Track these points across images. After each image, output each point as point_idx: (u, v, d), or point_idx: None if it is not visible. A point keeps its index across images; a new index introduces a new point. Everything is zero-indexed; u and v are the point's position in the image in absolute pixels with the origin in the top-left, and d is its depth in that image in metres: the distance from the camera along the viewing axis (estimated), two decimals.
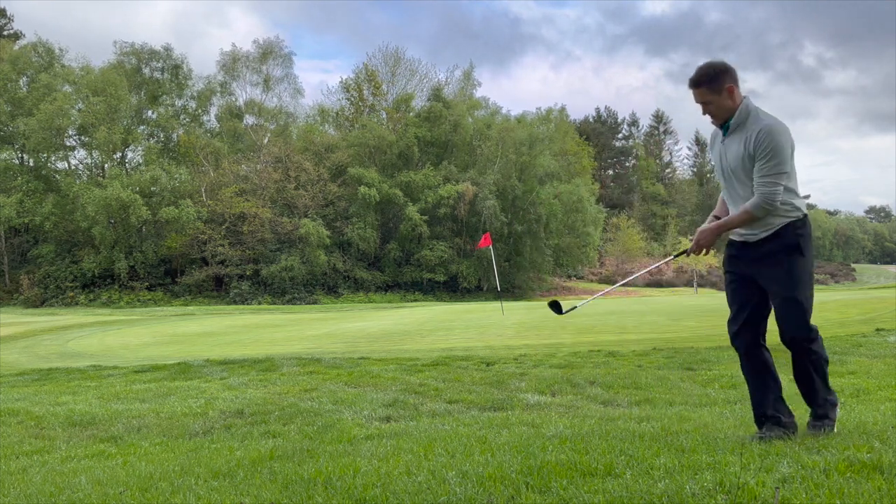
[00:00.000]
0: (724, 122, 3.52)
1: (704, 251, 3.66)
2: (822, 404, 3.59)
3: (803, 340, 3.53)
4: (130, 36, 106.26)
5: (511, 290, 49.38)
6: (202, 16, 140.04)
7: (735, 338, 3.63)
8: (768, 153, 3.33)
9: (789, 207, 3.42)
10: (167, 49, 50.36)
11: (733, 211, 3.58)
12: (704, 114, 3.59)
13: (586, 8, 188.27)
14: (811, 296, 3.52)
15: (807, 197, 3.59)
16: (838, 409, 3.65)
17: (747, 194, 3.46)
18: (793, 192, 3.44)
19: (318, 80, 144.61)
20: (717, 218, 3.68)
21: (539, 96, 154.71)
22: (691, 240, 3.68)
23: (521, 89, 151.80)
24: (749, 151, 3.39)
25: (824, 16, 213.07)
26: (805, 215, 3.50)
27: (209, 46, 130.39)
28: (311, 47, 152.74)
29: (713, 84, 3.46)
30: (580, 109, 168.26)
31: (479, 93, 59.35)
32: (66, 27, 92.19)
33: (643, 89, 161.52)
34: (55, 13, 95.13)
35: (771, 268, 3.48)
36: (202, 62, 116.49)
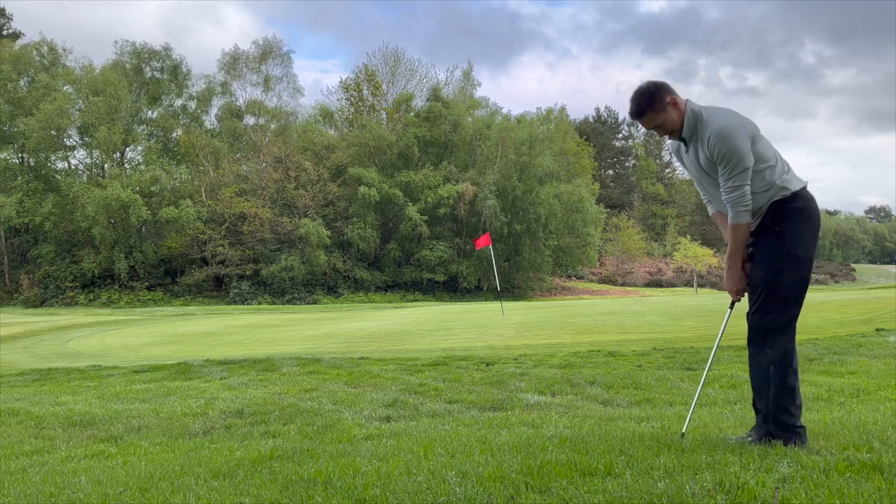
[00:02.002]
0: (681, 135, 3.43)
1: (743, 287, 3.45)
2: (768, 421, 3.25)
3: (757, 328, 3.31)
4: (121, 33, 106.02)
5: (511, 290, 49.40)
6: (194, 13, 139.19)
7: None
8: (723, 157, 3.22)
9: (768, 186, 3.28)
10: (166, 49, 50.48)
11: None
12: (661, 136, 3.52)
13: (583, 5, 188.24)
14: (787, 284, 3.24)
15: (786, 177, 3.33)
16: (790, 442, 3.17)
17: None
18: (765, 171, 3.28)
19: (313, 79, 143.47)
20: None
21: (537, 95, 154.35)
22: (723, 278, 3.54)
23: (519, 88, 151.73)
24: (710, 158, 3.30)
25: (824, 13, 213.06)
26: (793, 192, 3.30)
27: (202, 43, 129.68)
28: (308, 46, 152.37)
29: (654, 105, 3.35)
30: (579, 107, 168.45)
31: (478, 93, 59.54)
32: (58, 25, 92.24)
33: None
34: (47, 11, 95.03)
35: (755, 248, 3.39)
36: (195, 59, 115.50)
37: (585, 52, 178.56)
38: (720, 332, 3.80)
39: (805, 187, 3.36)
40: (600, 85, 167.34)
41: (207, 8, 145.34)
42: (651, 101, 3.36)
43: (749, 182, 3.24)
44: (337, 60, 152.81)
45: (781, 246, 3.26)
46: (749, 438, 3.34)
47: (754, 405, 3.51)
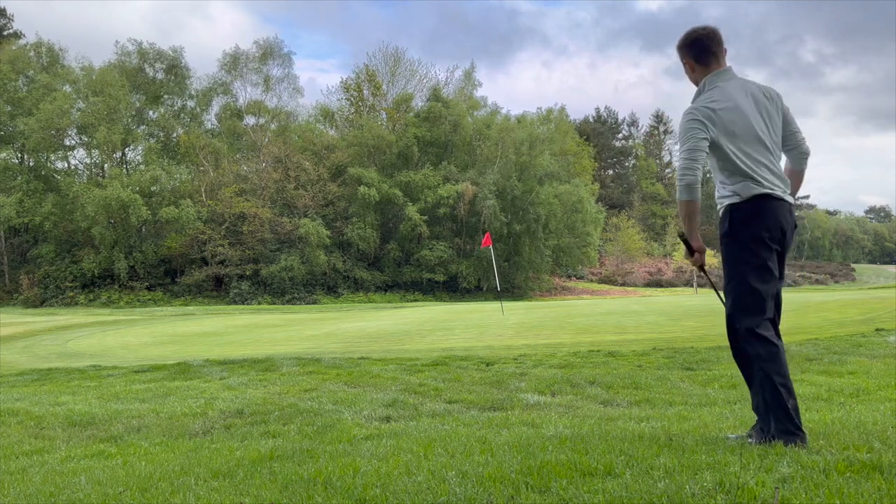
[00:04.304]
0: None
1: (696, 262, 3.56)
2: (766, 427, 3.25)
3: (728, 336, 3.42)
4: (110, 30, 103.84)
5: (511, 290, 49.39)
6: (184, 10, 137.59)
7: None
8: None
9: (723, 192, 3.37)
10: (175, 51, 50.52)
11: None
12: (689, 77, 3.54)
13: (581, 3, 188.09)
14: (740, 293, 3.31)
15: (753, 182, 3.31)
16: (790, 443, 3.15)
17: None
18: (727, 171, 3.34)
19: (308, 77, 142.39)
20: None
21: (535, 94, 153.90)
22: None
23: (517, 87, 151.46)
24: None
25: (825, 11, 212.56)
26: (743, 199, 3.30)
27: (194, 41, 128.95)
28: (304, 45, 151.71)
29: (679, 52, 3.44)
30: (577, 106, 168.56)
31: (478, 93, 59.51)
32: (46, 23, 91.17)
33: (640, 85, 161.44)
34: (36, 10, 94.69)
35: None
36: (187, 57, 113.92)
37: (583, 50, 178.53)
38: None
39: (760, 196, 3.29)
40: (598, 83, 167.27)
41: (198, 6, 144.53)
42: (679, 47, 3.43)
43: (698, 162, 3.26)
44: (334, 60, 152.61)
45: (729, 255, 3.35)
46: (750, 439, 3.34)
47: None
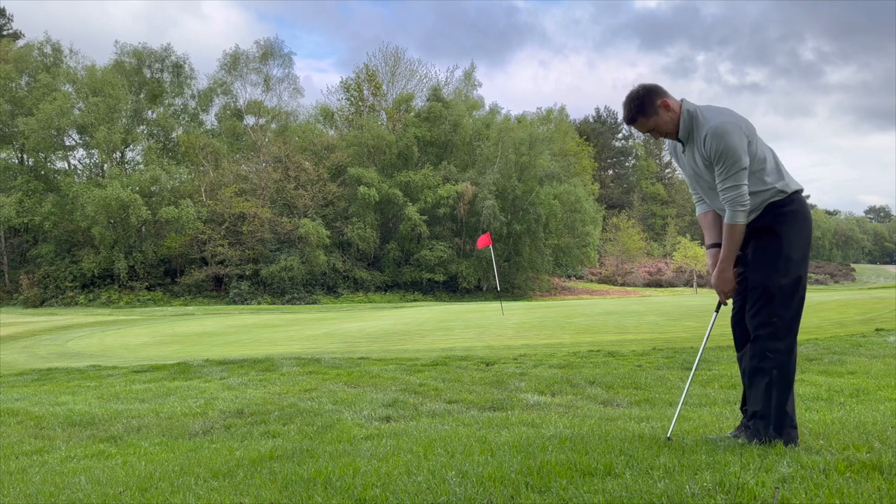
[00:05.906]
0: (677, 136, 3.40)
1: (733, 289, 3.43)
2: (760, 424, 3.26)
3: (756, 332, 3.29)
4: (102, 27, 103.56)
5: (511, 290, 49.39)
6: (177, 8, 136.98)
7: (732, 327, 3.60)
8: (719, 156, 3.19)
9: (764, 187, 3.27)
10: (167, 49, 50.48)
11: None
12: (657, 138, 3.48)
13: (578, 1, 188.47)
14: (786, 285, 3.23)
15: (780, 181, 3.32)
16: (790, 442, 3.18)
17: None
18: (761, 172, 3.26)
19: (304, 76, 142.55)
20: (716, 245, 3.50)
21: (534, 92, 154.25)
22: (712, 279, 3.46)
23: (516, 86, 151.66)
24: (706, 160, 3.29)
25: (825, 9, 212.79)
26: (788, 195, 3.29)
27: (186, 38, 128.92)
28: (302, 46, 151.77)
29: (645, 110, 3.33)
30: (575, 104, 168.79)
31: (477, 92, 59.53)
32: (38, 21, 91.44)
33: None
34: (28, 8, 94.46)
35: (749, 250, 3.36)
36: (181, 55, 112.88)
37: (581, 48, 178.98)
38: (706, 335, 3.75)
39: (800, 191, 3.36)
40: (596, 82, 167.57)
41: (192, 5, 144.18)
42: (641, 107, 3.33)
43: (746, 182, 3.21)
44: (331, 59, 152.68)
45: (779, 248, 3.25)
46: (740, 441, 3.34)
47: (743, 407, 3.55)
